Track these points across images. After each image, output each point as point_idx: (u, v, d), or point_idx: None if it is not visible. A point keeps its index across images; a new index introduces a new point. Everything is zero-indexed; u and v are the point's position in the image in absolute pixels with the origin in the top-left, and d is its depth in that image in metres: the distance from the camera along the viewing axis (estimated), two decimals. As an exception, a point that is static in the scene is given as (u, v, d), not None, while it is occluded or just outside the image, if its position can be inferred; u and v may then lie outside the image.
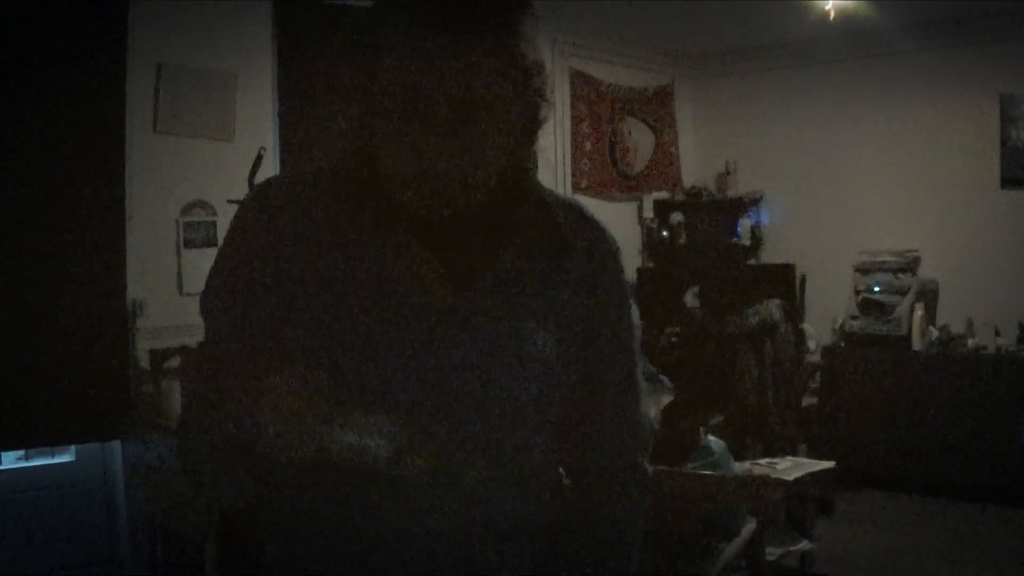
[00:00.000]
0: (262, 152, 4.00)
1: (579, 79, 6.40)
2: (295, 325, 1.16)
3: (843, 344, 6.05)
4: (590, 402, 1.28)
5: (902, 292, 5.88)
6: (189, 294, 4.37)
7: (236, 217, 1.27)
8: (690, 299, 6.41)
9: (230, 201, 4.09)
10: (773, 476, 3.99)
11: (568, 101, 6.35)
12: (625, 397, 1.31)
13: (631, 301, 1.30)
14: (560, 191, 6.77)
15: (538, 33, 1.13)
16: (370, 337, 1.14)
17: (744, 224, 6.77)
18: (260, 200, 1.26)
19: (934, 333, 5.79)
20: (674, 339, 6.24)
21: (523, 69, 1.11)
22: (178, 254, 4.42)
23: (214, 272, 1.26)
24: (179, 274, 4.41)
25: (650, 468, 1.35)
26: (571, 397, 1.25)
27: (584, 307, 1.23)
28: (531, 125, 1.16)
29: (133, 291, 4.24)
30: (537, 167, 1.28)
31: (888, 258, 6.09)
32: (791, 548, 4.14)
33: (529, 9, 1.11)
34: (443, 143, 1.08)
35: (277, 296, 1.17)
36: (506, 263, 1.19)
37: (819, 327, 6.20)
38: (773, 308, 5.83)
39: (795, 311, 6.14)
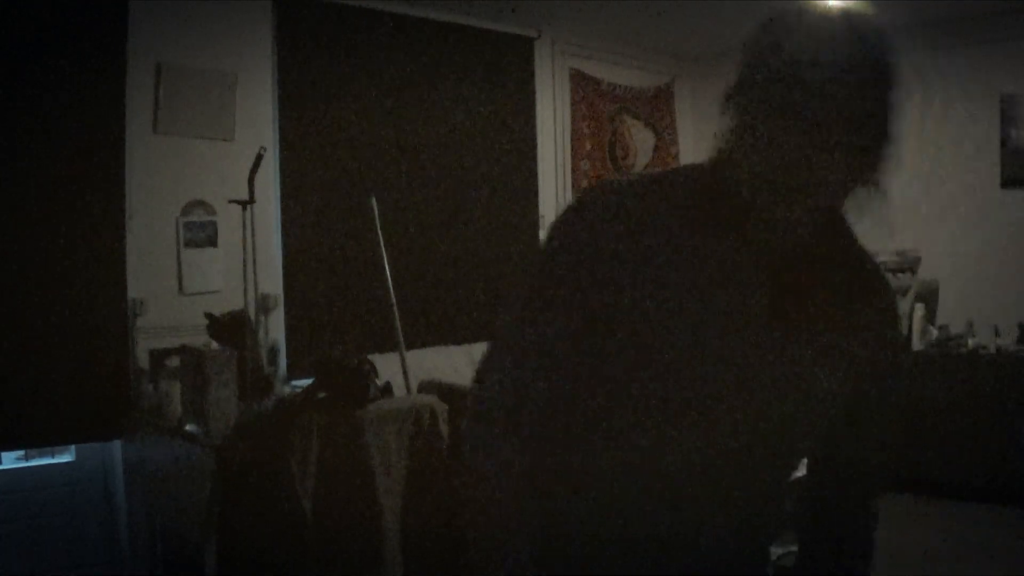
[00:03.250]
0: (262, 152, 4.00)
1: (579, 79, 6.40)
2: (624, 323, 1.17)
3: (843, 344, 6.05)
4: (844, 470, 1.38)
5: (902, 292, 5.88)
6: (189, 294, 4.37)
7: (568, 225, 1.23)
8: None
9: (230, 201, 4.09)
10: (773, 476, 4.00)
11: (568, 101, 6.35)
12: (872, 470, 1.40)
13: (902, 365, 1.38)
14: (560, 191, 6.75)
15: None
16: (697, 342, 1.17)
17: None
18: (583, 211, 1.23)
19: (934, 333, 5.79)
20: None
21: (890, 128, 1.20)
22: (178, 254, 4.42)
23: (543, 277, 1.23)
24: (179, 274, 4.41)
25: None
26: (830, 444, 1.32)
27: (869, 361, 1.27)
28: (863, 179, 1.24)
29: (133, 291, 4.24)
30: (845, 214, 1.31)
31: (888, 258, 6.09)
32: (791, 548, 4.14)
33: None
34: (823, 157, 1.11)
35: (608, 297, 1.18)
36: (821, 302, 1.22)
37: (819, 327, 6.19)
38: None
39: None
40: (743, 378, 1.18)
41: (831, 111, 1.09)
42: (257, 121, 4.70)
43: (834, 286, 1.23)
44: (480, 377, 1.25)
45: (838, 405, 1.26)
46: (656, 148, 6.90)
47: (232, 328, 3.73)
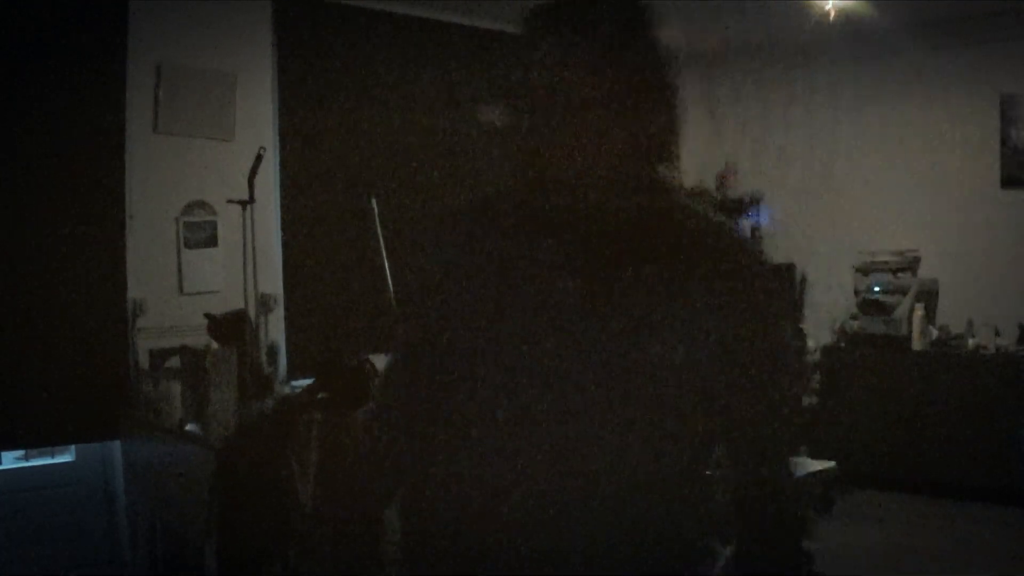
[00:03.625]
0: (262, 152, 4.00)
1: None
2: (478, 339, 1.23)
3: (843, 344, 6.05)
4: (746, 417, 1.29)
5: (902, 292, 5.88)
6: (189, 294, 4.37)
7: (432, 247, 1.33)
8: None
9: (230, 201, 4.09)
10: (773, 476, 3.99)
11: (568, 101, 6.34)
12: (774, 412, 1.31)
13: (782, 321, 1.31)
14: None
15: (655, 32, 1.21)
16: (512, 347, 1.20)
17: (744, 224, 6.77)
18: (448, 231, 1.33)
19: (934, 333, 5.79)
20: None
21: (643, 66, 1.18)
22: (178, 254, 4.42)
23: (411, 299, 1.37)
24: (179, 274, 4.41)
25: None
26: (720, 411, 1.27)
27: (726, 323, 1.23)
28: (663, 132, 1.23)
29: (133, 291, 4.24)
30: (676, 179, 1.32)
31: (888, 258, 6.09)
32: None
33: (649, 13, 1.20)
34: (557, 141, 1.14)
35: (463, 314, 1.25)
36: (644, 274, 1.21)
37: (819, 327, 6.19)
38: (773, 308, 5.82)
39: (795, 311, 6.14)
40: (567, 368, 1.19)
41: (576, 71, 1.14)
42: (257, 121, 4.70)
43: (658, 256, 1.22)
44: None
45: (697, 371, 1.23)
46: (656, 148, 6.89)
47: (232, 328, 3.73)
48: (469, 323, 1.23)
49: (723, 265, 1.25)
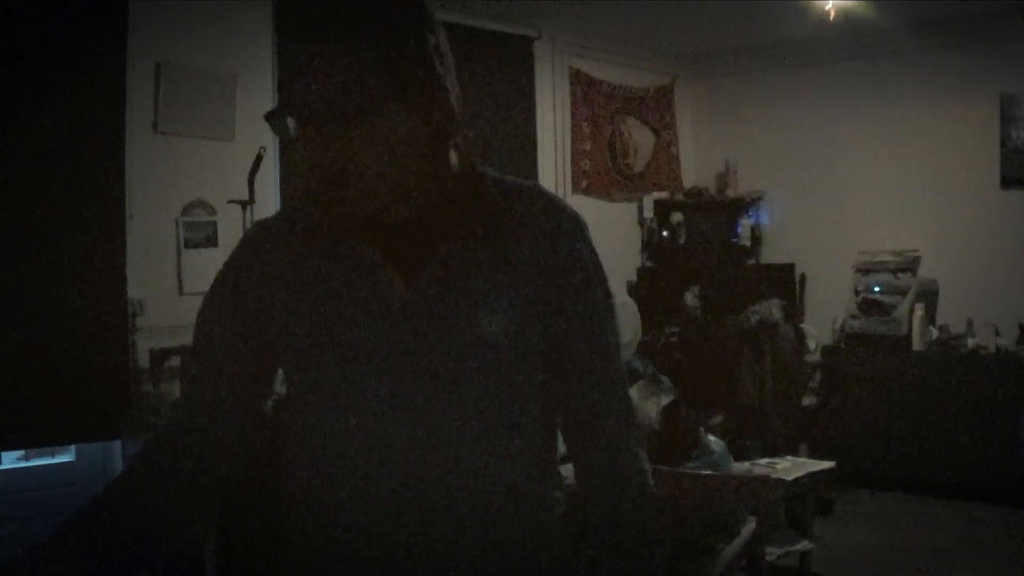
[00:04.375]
0: (262, 152, 4.00)
1: (579, 79, 6.40)
2: (288, 338, 1.26)
3: (843, 344, 6.05)
4: (575, 389, 1.29)
5: (902, 292, 5.88)
6: (189, 294, 4.37)
7: (229, 259, 1.34)
8: (690, 299, 6.42)
9: (230, 201, 4.09)
10: (773, 476, 4.00)
11: (568, 101, 6.35)
12: (605, 374, 1.30)
13: (597, 278, 1.29)
14: (560, 191, 6.77)
15: (425, 25, 1.16)
16: (341, 343, 1.22)
17: (744, 224, 6.77)
18: (248, 242, 1.34)
19: (934, 333, 5.79)
20: (674, 339, 6.25)
21: (409, 64, 1.14)
22: (178, 254, 4.42)
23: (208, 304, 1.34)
24: (179, 274, 4.41)
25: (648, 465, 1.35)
26: (552, 385, 1.28)
27: (542, 287, 1.24)
28: (442, 120, 1.19)
29: (133, 291, 4.24)
30: (472, 159, 1.29)
31: (888, 258, 6.09)
32: (791, 548, 4.14)
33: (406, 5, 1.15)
34: (335, 148, 1.13)
35: (268, 321, 1.28)
36: (449, 253, 1.21)
37: (819, 327, 6.19)
38: (773, 308, 5.83)
39: (795, 311, 6.14)
40: (390, 366, 1.20)
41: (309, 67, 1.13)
42: (257, 121, 4.66)
43: (470, 233, 1.22)
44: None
45: (526, 338, 1.23)
46: (656, 148, 6.89)
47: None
48: (295, 325, 1.25)
49: (534, 225, 1.25)
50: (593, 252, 1.29)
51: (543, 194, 1.30)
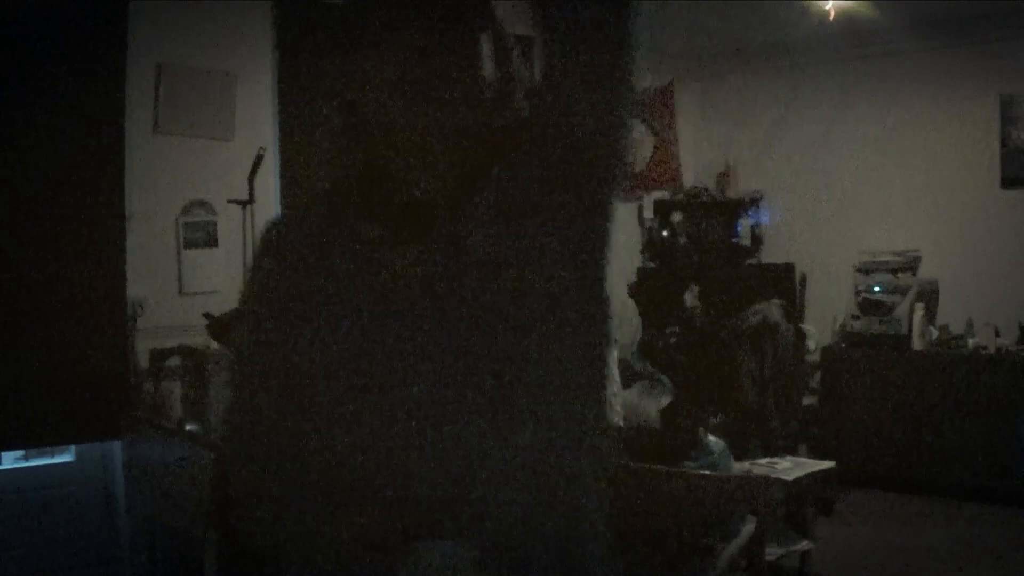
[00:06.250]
0: (262, 152, 4.00)
1: (579, 79, 6.39)
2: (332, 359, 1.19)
3: (843, 344, 6.05)
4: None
5: (902, 292, 5.88)
6: (189, 294, 4.37)
7: (255, 270, 1.29)
8: (690, 299, 6.41)
9: (230, 201, 4.09)
10: (773, 476, 4.00)
11: (568, 101, 6.34)
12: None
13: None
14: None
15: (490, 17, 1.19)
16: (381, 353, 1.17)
17: (744, 224, 6.77)
18: (274, 251, 1.28)
19: (934, 333, 5.79)
20: (674, 339, 6.24)
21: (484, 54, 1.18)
22: (178, 254, 4.42)
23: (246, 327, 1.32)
24: (179, 274, 4.41)
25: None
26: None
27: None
28: (499, 90, 1.20)
29: (133, 291, 4.23)
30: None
31: (888, 258, 6.09)
32: (791, 548, 4.14)
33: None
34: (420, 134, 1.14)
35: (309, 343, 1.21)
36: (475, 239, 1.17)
37: (819, 327, 6.19)
38: (773, 308, 5.84)
39: (795, 311, 6.14)
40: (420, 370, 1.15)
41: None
42: (257, 121, 4.70)
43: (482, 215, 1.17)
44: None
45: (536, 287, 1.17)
46: (656, 148, 6.89)
47: (232, 328, 3.72)
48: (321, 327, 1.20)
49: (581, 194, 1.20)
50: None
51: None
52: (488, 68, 1.19)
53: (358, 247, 1.19)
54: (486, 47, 1.19)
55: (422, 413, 1.14)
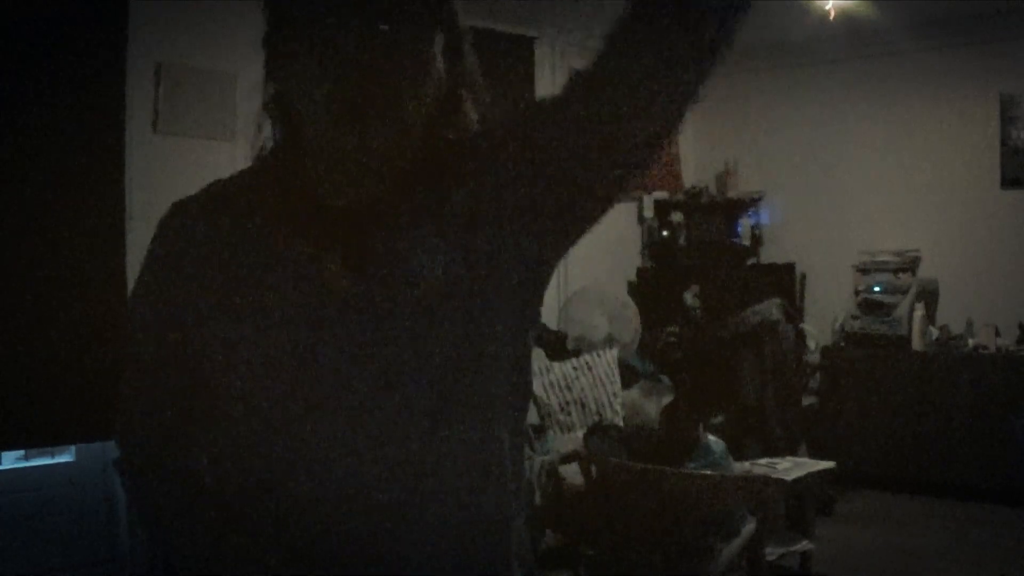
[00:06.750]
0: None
1: (579, 79, 6.39)
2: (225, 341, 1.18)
3: (843, 344, 6.06)
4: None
5: (902, 292, 5.88)
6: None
7: (153, 242, 1.27)
8: (690, 299, 6.42)
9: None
10: (773, 476, 4.00)
11: (568, 101, 6.34)
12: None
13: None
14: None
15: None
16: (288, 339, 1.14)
17: (744, 224, 6.78)
18: (175, 222, 1.29)
19: (934, 333, 5.79)
20: (674, 339, 6.24)
21: (422, 42, 1.11)
22: (178, 254, 4.42)
23: (137, 294, 1.31)
24: (179, 274, 4.41)
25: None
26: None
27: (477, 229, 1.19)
28: (446, 96, 1.18)
29: (133, 291, 4.23)
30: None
31: (888, 258, 6.09)
32: (791, 548, 4.14)
33: None
34: (359, 125, 1.09)
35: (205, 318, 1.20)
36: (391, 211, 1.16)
37: (819, 327, 6.20)
38: (773, 308, 5.83)
39: (795, 311, 6.14)
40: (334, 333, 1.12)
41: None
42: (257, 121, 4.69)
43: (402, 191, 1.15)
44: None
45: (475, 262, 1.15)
46: (656, 148, 6.88)
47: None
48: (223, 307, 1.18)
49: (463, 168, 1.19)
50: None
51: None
52: (437, 69, 1.15)
53: (280, 259, 1.17)
54: (437, 43, 1.14)
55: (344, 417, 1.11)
